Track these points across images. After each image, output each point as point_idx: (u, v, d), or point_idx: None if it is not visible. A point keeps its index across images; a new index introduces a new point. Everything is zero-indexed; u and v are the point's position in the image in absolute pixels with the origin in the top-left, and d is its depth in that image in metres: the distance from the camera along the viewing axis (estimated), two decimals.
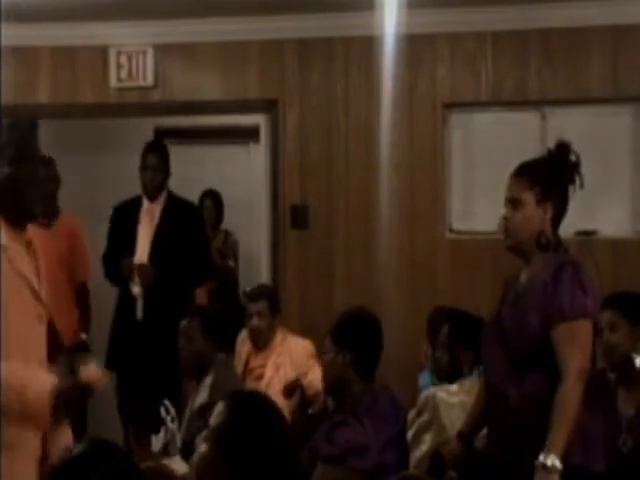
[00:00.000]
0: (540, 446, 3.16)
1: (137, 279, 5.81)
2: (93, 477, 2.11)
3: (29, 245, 3.08)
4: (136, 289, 5.83)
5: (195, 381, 5.02)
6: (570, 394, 3.19)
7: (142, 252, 5.90)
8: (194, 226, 6.04)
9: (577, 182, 3.41)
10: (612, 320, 4.05)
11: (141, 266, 5.80)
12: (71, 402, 2.93)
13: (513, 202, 3.40)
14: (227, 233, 7.67)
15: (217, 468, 2.48)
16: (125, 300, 5.92)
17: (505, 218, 3.42)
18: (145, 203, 6.01)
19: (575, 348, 3.23)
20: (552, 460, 3.12)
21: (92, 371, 2.99)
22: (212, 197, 7.67)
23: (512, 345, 3.34)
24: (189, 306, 5.73)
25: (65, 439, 3.04)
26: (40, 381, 2.89)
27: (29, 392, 2.85)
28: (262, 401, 2.63)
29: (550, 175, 3.40)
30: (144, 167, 6.01)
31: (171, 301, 5.72)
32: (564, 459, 3.14)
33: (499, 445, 3.42)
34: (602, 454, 3.34)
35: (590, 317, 3.28)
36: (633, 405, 3.97)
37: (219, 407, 2.56)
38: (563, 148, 3.44)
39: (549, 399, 3.21)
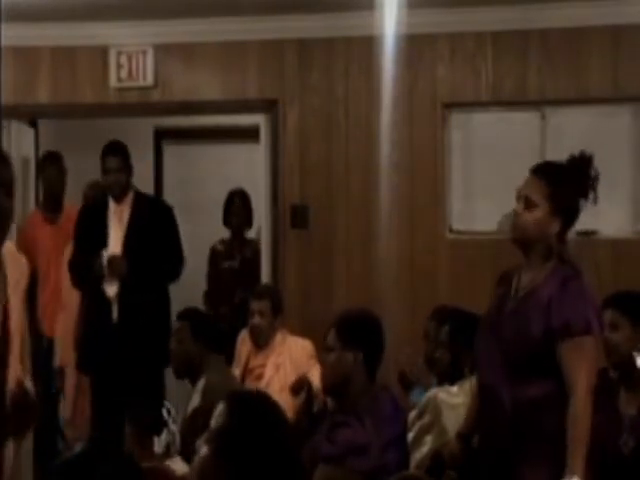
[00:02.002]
0: (532, 449, 3.16)
1: (110, 277, 5.66)
2: (95, 477, 2.11)
3: None
4: (111, 291, 5.66)
5: (190, 383, 5.02)
6: (581, 412, 3.20)
7: (114, 250, 5.81)
8: (165, 221, 5.91)
9: (590, 198, 3.41)
10: (613, 320, 4.05)
11: (114, 258, 5.67)
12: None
13: (527, 201, 3.38)
14: (257, 243, 6.98)
15: (218, 469, 2.48)
16: (97, 303, 5.74)
17: (516, 213, 3.41)
18: (112, 205, 5.83)
19: (582, 365, 3.24)
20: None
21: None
22: (241, 197, 7.17)
23: (511, 350, 3.33)
24: (164, 303, 5.74)
25: None
26: None
27: None
28: (262, 401, 2.63)
29: (568, 193, 3.39)
30: (105, 171, 5.83)
31: (146, 300, 5.67)
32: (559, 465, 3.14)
33: (491, 446, 3.42)
34: (591, 463, 3.32)
35: (594, 333, 3.30)
36: (634, 405, 3.97)
37: (220, 408, 2.56)
38: (586, 161, 3.42)
39: (543, 404, 3.22)
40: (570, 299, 3.28)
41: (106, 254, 5.64)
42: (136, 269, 5.63)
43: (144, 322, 5.55)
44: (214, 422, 2.52)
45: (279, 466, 2.46)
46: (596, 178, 3.40)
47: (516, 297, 3.41)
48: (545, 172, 3.42)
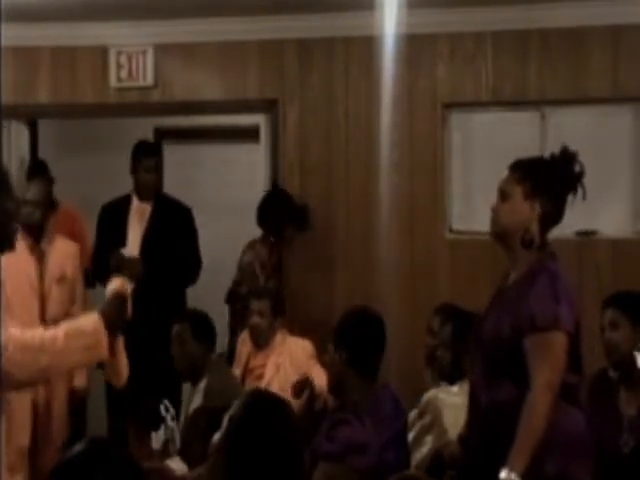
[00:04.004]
0: (503, 454, 3.10)
1: (126, 273, 5.73)
2: (95, 477, 2.11)
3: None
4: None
5: (191, 384, 5.02)
6: (535, 408, 3.11)
7: (132, 250, 5.86)
8: (185, 226, 6.03)
9: (579, 193, 3.37)
10: (613, 319, 4.07)
11: (132, 259, 5.72)
12: (119, 310, 3.17)
13: (502, 194, 3.38)
14: None
15: (224, 458, 2.50)
16: None
17: (492, 209, 3.42)
18: (135, 202, 5.98)
19: (545, 360, 3.15)
20: (509, 475, 3.04)
21: (116, 282, 3.25)
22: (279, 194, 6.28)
23: (487, 350, 3.31)
24: (179, 306, 5.76)
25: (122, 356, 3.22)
26: (86, 316, 3.09)
27: (85, 327, 3.00)
28: (278, 401, 2.65)
29: (543, 174, 3.36)
30: (145, 170, 6.00)
31: (160, 301, 5.70)
32: (535, 470, 3.08)
33: (471, 448, 3.41)
34: (589, 462, 3.28)
35: (563, 328, 3.19)
36: (635, 405, 3.98)
37: (237, 403, 2.58)
38: (568, 156, 3.40)
39: (518, 410, 3.14)
40: (537, 293, 3.21)
41: (125, 252, 5.69)
42: (153, 269, 5.66)
43: (157, 321, 5.57)
44: (231, 411, 2.55)
45: (281, 464, 2.48)
46: (581, 174, 3.37)
47: (499, 296, 3.41)
48: (518, 164, 3.42)
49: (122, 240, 5.80)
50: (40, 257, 5.31)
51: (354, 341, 3.95)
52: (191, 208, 6.19)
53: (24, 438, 4.84)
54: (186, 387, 5.17)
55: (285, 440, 2.51)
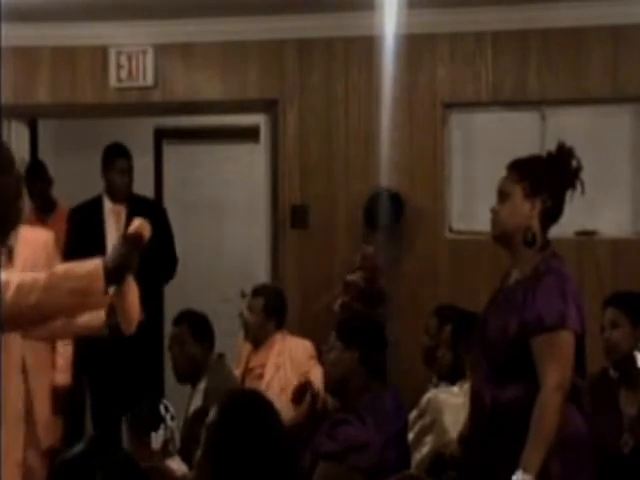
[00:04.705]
0: (513, 451, 3.10)
1: None
2: (95, 477, 2.11)
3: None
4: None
5: (191, 385, 5.02)
6: (547, 409, 3.11)
7: None
8: (160, 223, 6.01)
9: (578, 188, 3.37)
10: (614, 318, 4.07)
11: None
12: (126, 254, 2.85)
13: (501, 195, 3.38)
14: None
15: (207, 464, 2.49)
16: None
17: (492, 210, 3.42)
18: (108, 204, 6.00)
19: (554, 361, 3.15)
20: (524, 477, 3.04)
21: (136, 224, 2.91)
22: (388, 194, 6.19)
23: (492, 351, 3.30)
24: (157, 305, 5.76)
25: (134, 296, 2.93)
26: (89, 260, 2.78)
27: (77, 270, 2.72)
28: (254, 399, 2.63)
29: (541, 171, 3.36)
30: (117, 171, 6.01)
31: (144, 300, 5.68)
32: (540, 472, 3.07)
33: (475, 450, 3.40)
34: (591, 463, 3.27)
35: (571, 328, 3.19)
36: (635, 405, 3.98)
37: (213, 408, 2.57)
38: (564, 152, 3.40)
39: (524, 410, 3.14)
40: (544, 293, 3.21)
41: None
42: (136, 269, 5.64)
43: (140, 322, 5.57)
44: (207, 419, 2.54)
45: (267, 463, 2.47)
46: (579, 168, 3.37)
47: (503, 296, 3.41)
48: (516, 164, 3.41)
49: (98, 242, 5.80)
50: (8, 256, 4.77)
51: (366, 341, 3.96)
52: (165, 207, 6.21)
53: (18, 452, 4.65)
54: (184, 388, 5.16)
55: (267, 437, 2.50)
